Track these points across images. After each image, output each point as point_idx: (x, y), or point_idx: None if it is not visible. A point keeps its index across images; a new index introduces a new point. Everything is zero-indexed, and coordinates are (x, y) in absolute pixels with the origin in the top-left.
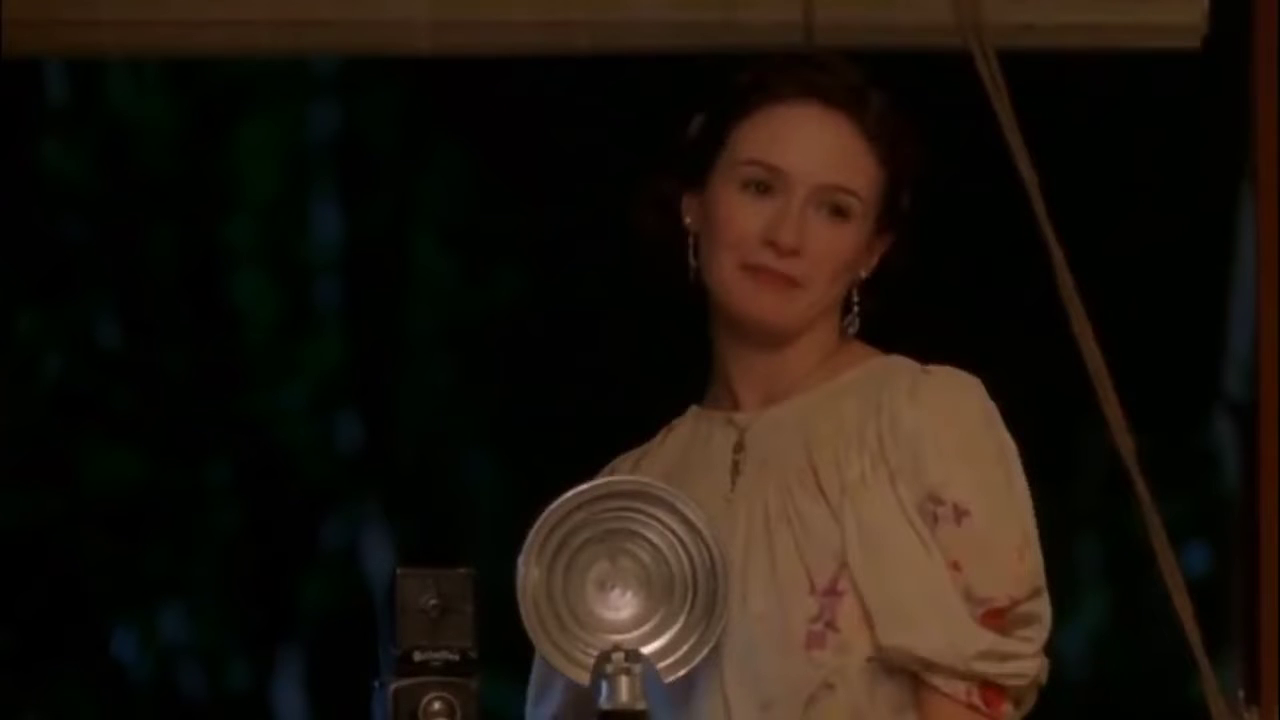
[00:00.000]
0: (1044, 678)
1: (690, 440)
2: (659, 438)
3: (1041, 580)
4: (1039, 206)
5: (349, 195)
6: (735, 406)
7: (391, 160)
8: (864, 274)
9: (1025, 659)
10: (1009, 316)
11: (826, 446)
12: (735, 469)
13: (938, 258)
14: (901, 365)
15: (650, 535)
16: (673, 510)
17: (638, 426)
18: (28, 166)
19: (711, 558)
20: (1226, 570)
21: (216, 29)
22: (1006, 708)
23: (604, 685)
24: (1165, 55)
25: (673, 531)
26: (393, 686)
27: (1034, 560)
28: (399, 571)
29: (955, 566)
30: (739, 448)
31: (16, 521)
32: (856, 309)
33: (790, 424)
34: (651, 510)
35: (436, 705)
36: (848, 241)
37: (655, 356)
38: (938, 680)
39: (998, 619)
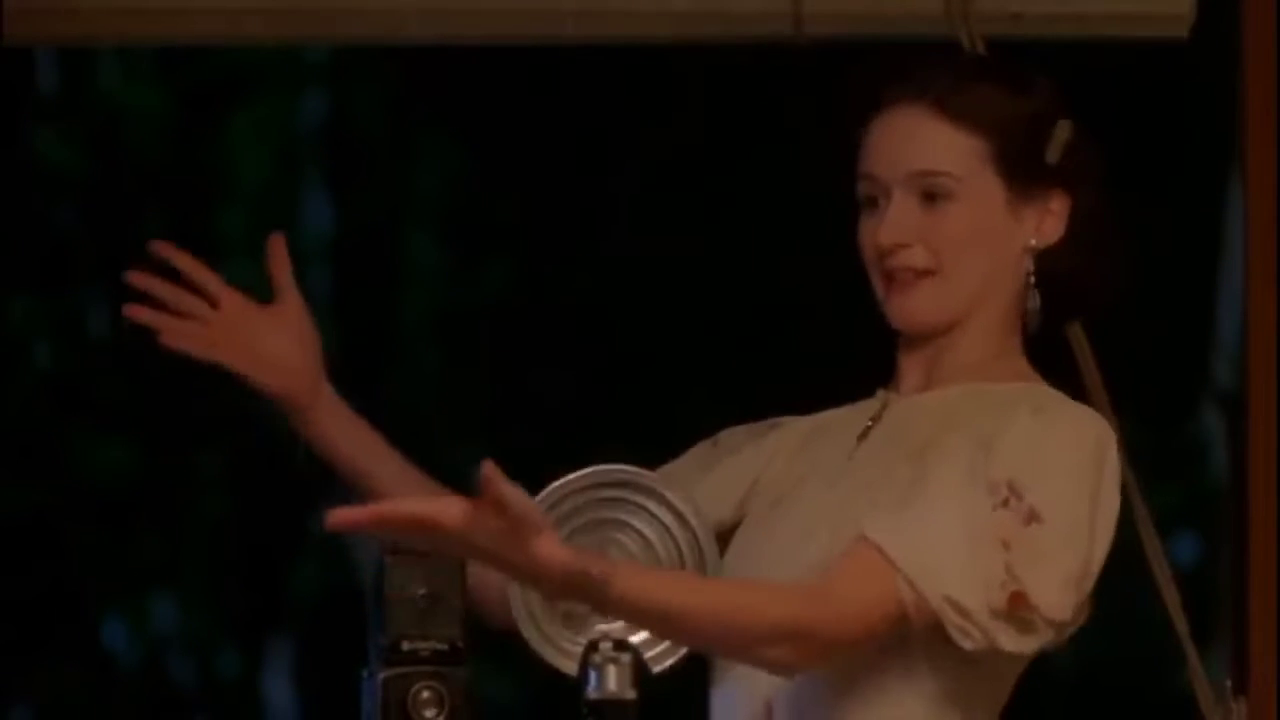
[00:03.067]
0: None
1: (849, 409)
2: (844, 407)
3: (1068, 620)
4: None
5: (339, 184)
6: (898, 389)
7: (382, 149)
8: (1035, 242)
9: (987, 636)
10: None
11: (949, 434)
12: (864, 435)
13: None
14: (1048, 391)
15: (638, 524)
16: (661, 500)
17: (628, 417)
18: (19, 154)
19: (699, 546)
20: (1215, 560)
21: (208, 17)
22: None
23: (592, 675)
24: (1153, 44)
25: (660, 520)
26: (381, 676)
27: (1075, 598)
28: (387, 561)
29: (1005, 545)
30: (876, 418)
31: (6, 511)
32: (1032, 279)
33: (928, 409)
34: (639, 499)
35: (425, 695)
36: (962, 218)
37: (647, 348)
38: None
39: (1018, 604)
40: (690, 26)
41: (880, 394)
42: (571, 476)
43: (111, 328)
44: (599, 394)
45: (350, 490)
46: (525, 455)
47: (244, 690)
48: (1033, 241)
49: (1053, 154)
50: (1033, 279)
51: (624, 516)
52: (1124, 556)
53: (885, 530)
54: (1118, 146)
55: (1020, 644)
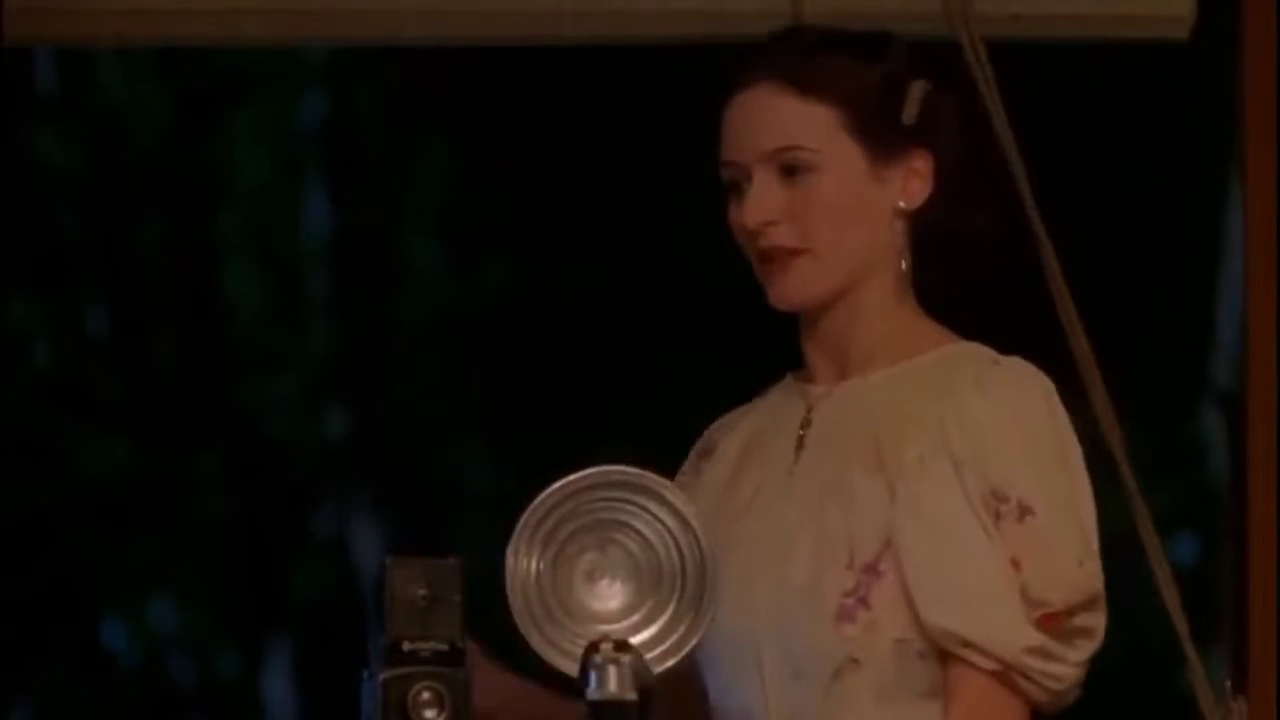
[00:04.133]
0: (1072, 697)
1: (771, 409)
2: (755, 401)
3: (1097, 589)
4: (1026, 197)
5: (338, 185)
6: (811, 379)
7: (380, 150)
8: (904, 205)
9: (1069, 665)
10: (996, 306)
11: (890, 427)
12: (800, 443)
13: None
14: (973, 353)
15: (639, 525)
16: (661, 501)
17: (630, 417)
18: (18, 155)
19: (700, 549)
20: (1214, 561)
21: (207, 18)
22: (1031, 687)
23: (592, 676)
24: (1153, 46)
25: (662, 522)
26: (382, 676)
27: (1092, 567)
28: (388, 562)
29: (1015, 565)
30: (806, 423)
31: (6, 511)
32: (904, 242)
33: (857, 402)
34: (640, 500)
35: (425, 695)
36: (825, 190)
37: (646, 347)
38: (975, 656)
39: (1052, 623)
40: (689, 26)
41: (792, 385)
42: (573, 477)
43: (110, 328)
44: (600, 394)
45: (349, 494)
46: (526, 456)
47: (244, 691)
48: (901, 204)
49: (909, 114)
50: (902, 239)
51: (625, 518)
52: (1124, 556)
53: (974, 626)
54: (1117, 147)
55: (1090, 647)
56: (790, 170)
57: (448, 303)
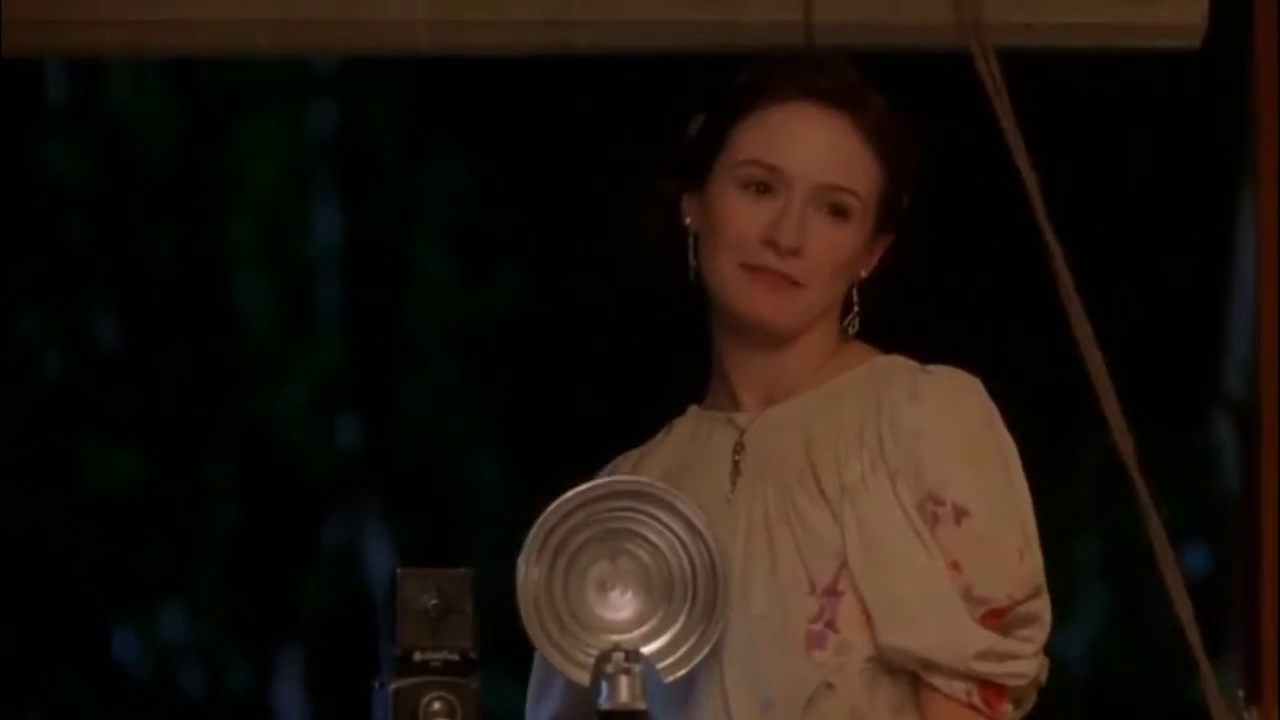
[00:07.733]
0: (1044, 677)
1: (690, 440)
2: (659, 437)
3: (1041, 580)
4: (1038, 206)
5: (349, 195)
6: (735, 406)
7: (391, 160)
8: (864, 273)
9: (1024, 659)
10: (1009, 316)
11: (826, 446)
12: (735, 469)
13: (938, 258)
14: (901, 365)
15: (650, 535)
16: (673, 510)
17: (638, 427)
18: (28, 166)
19: (711, 558)
20: (1226, 571)
21: (216, 29)
22: (1006, 707)
23: (604, 685)
24: (1165, 55)
25: (673, 532)
26: (393, 686)
27: (1033, 560)
28: (399, 571)
29: (955, 566)
30: (739, 448)
31: (16, 521)
32: (856, 309)
33: (790, 424)
34: (652, 510)
35: (437, 705)
36: (848, 242)
37: (655, 357)
38: (938, 680)
39: (997, 619)
40: (701, 37)
41: (707, 415)
42: (584, 487)
43: (121, 338)
44: (611, 405)
45: (360, 504)
46: (537, 466)
47: (254, 701)
48: (862, 274)
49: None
50: (856, 308)
51: (636, 527)
52: (1136, 567)
53: (923, 641)
54: (1129, 157)
55: (1040, 634)
56: (836, 212)
57: (458, 313)
